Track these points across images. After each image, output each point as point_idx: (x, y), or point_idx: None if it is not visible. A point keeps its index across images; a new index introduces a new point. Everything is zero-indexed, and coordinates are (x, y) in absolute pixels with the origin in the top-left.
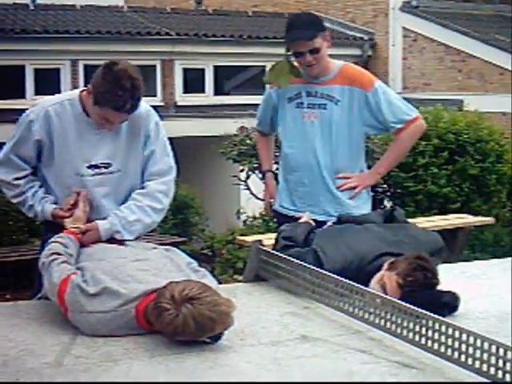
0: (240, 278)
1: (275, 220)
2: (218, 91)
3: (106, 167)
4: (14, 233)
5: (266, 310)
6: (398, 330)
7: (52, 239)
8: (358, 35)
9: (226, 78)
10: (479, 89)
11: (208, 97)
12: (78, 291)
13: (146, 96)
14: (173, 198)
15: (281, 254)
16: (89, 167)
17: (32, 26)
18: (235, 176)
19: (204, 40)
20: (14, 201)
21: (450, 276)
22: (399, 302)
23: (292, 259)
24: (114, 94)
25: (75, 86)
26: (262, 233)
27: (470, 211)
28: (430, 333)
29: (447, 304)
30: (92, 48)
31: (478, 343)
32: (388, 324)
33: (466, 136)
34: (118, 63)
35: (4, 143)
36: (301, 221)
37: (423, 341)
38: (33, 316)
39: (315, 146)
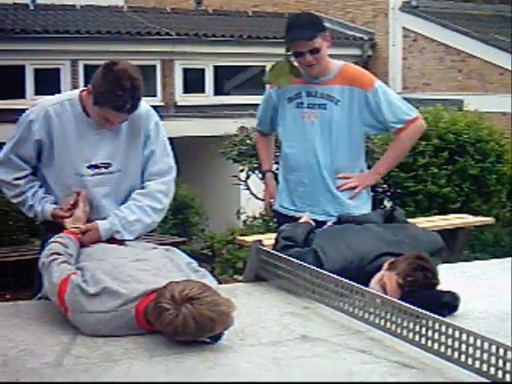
0: (240, 278)
1: (275, 220)
2: (218, 91)
3: (105, 167)
4: (14, 233)
5: (265, 310)
6: (398, 330)
7: (52, 239)
8: (358, 35)
9: (226, 78)
10: (479, 89)
11: (208, 97)
12: (78, 291)
13: (145, 96)
14: (173, 198)
15: (281, 254)
16: (89, 167)
17: (32, 25)
18: (235, 176)
19: (204, 40)
20: (14, 201)
21: (449, 276)
22: (399, 302)
23: (292, 259)
24: (114, 93)
25: (75, 86)
26: (262, 233)
27: (470, 211)
28: (430, 333)
29: (447, 304)
30: (92, 48)
31: (478, 343)
32: (388, 324)
33: (466, 136)
34: (118, 63)
35: (4, 143)
36: (301, 221)
37: (423, 341)
38: (33, 316)
39: (315, 146)
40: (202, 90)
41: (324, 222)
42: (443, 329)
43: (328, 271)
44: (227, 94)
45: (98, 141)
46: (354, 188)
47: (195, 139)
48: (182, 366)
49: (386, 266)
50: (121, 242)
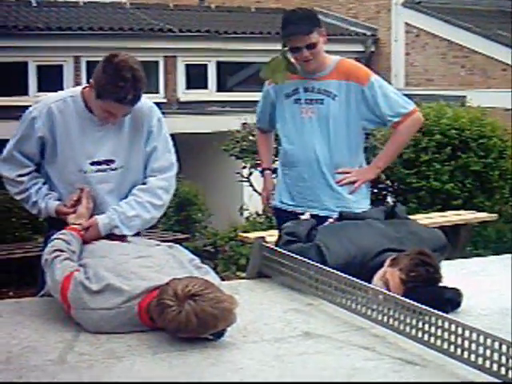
0: (243, 274)
1: (276, 217)
2: (220, 87)
3: (108, 164)
4: (17, 230)
5: (268, 307)
6: (402, 327)
7: (54, 236)
8: (361, 31)
9: (228, 75)
10: (482, 84)
11: (211, 93)
12: (80, 288)
13: (148, 92)
14: (175, 195)
15: (284, 251)
16: (92, 164)
17: (35, 22)
18: (238, 173)
19: (207, 36)
20: (18, 197)
21: (452, 272)
22: (402, 298)
23: (295, 256)
24: (116, 85)
25: (78, 83)
26: (265, 229)
27: (472, 207)
28: (433, 329)
29: (450, 300)
30: (95, 44)
31: (481, 340)
32: (391, 321)
33: (468, 132)
34: (118, 55)
35: (7, 140)
36: (302, 217)
37: (426, 337)
38: (36, 313)
39: (314, 142)
40: (205, 87)
41: (324, 218)
42: (446, 325)
43: (331, 266)
44: (230, 90)
45: (101, 137)
46: (354, 183)
47: (198, 136)
48: (185, 363)
49: (388, 262)
50: (123, 239)
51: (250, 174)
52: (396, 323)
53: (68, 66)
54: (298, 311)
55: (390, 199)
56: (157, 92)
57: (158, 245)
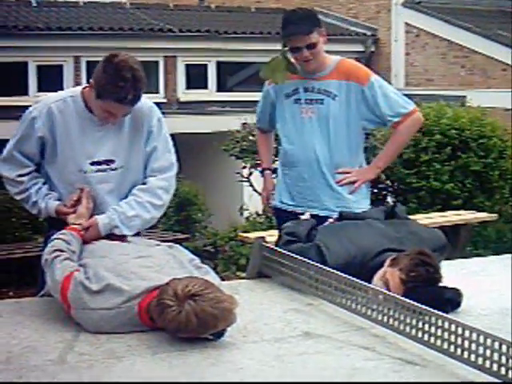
0: (243, 274)
1: (275, 217)
2: (220, 88)
3: (108, 164)
4: (17, 230)
5: (268, 307)
6: (401, 327)
7: (54, 236)
8: (361, 31)
9: (228, 75)
10: (482, 84)
11: (211, 93)
12: (81, 288)
13: (148, 92)
14: (175, 195)
15: (284, 251)
16: (92, 164)
17: (35, 22)
18: (238, 173)
19: (207, 36)
20: (18, 197)
21: (452, 272)
22: (402, 298)
23: (295, 256)
24: (116, 85)
25: (78, 83)
26: (265, 229)
27: (472, 207)
28: (433, 329)
29: (450, 300)
30: (95, 44)
31: (481, 340)
32: (391, 321)
33: (468, 132)
34: (118, 55)
35: (7, 140)
36: (302, 217)
37: (426, 337)
38: (36, 313)
39: (314, 142)
40: (205, 87)
41: (324, 217)
42: (446, 325)
43: (331, 266)
44: (230, 90)
45: (101, 137)
46: (354, 183)
47: (198, 136)
48: (185, 363)
49: (388, 262)
50: (123, 239)
51: (250, 173)
52: (396, 323)
53: (68, 66)
54: (298, 311)
55: (390, 199)
56: (157, 92)
57: (158, 245)
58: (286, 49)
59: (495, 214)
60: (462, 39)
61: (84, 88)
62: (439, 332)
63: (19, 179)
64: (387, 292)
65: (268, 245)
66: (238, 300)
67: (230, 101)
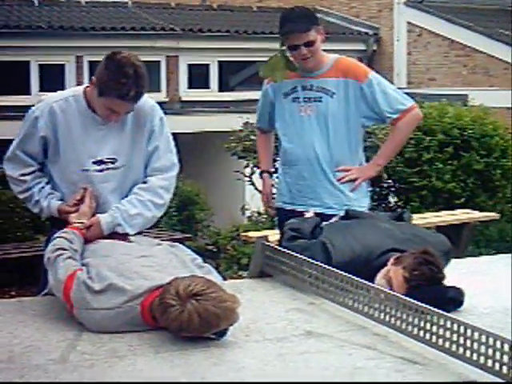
0: (245, 274)
1: (277, 218)
2: (222, 87)
3: (112, 162)
4: (20, 229)
5: (270, 306)
6: (403, 326)
7: (57, 234)
8: (363, 30)
9: (230, 74)
10: (484, 83)
11: (213, 92)
12: (83, 288)
13: (150, 91)
14: (177, 195)
15: (286, 249)
16: (94, 162)
17: (37, 22)
18: (240, 172)
19: (209, 35)
20: (21, 196)
21: (454, 271)
22: (404, 297)
23: (297, 255)
24: (118, 81)
25: (80, 82)
26: (267, 228)
27: (474, 206)
28: (434, 328)
29: (452, 299)
30: (97, 44)
31: (483, 339)
32: (393, 320)
33: (470, 131)
34: (120, 52)
35: (8, 139)
36: (307, 215)
37: (428, 336)
38: (38, 312)
39: (313, 140)
40: (207, 86)
41: (325, 215)
42: (448, 324)
43: (336, 263)
44: (232, 89)
45: (104, 136)
46: (354, 180)
47: (200, 135)
48: (187, 362)
49: (391, 260)
50: (125, 238)
51: (252, 173)
52: (398, 322)
53: (70, 65)
54: (300, 310)
55: (391, 198)
56: (159, 91)
57: (160, 244)
58: (284, 48)
59: (497, 214)
60: (464, 38)
61: (86, 87)
62: (441, 331)
63: (22, 178)
64: (389, 291)
65: (270, 244)
66: (240, 299)
67: (232, 100)
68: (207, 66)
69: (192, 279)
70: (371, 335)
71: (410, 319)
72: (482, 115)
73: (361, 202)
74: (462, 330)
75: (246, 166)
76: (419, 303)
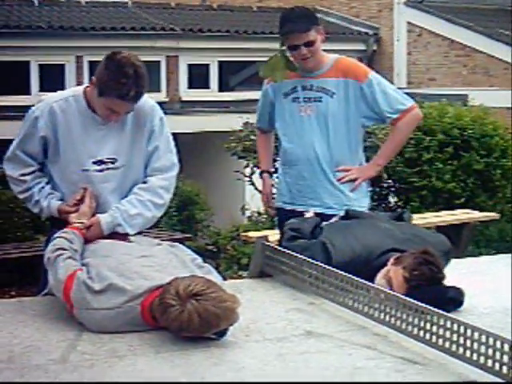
0: (245, 274)
1: (277, 218)
2: (222, 87)
3: (112, 162)
4: (20, 229)
5: (270, 306)
6: (403, 326)
7: (57, 234)
8: (363, 30)
9: (230, 74)
10: (484, 83)
11: (213, 92)
12: (83, 288)
13: (150, 91)
14: (178, 195)
15: (286, 250)
16: (95, 162)
17: (37, 22)
18: (240, 172)
19: (209, 35)
20: (21, 196)
21: (454, 271)
22: (404, 297)
23: (297, 255)
24: (118, 81)
25: (80, 82)
26: (267, 228)
27: (474, 206)
28: (434, 328)
29: (452, 299)
30: (97, 44)
31: (483, 339)
32: (393, 320)
33: (470, 131)
34: (120, 52)
35: (8, 139)
36: (307, 215)
37: (428, 336)
38: (38, 312)
39: (313, 140)
40: (207, 86)
41: (325, 215)
42: (448, 324)
43: (336, 263)
44: (232, 89)
45: (104, 136)
46: (354, 180)
47: (200, 135)
48: (187, 362)
49: (391, 260)
50: (125, 238)
51: (252, 173)
52: (398, 322)
53: (70, 65)
54: (300, 310)
55: (391, 198)
56: (159, 91)
57: (160, 244)
58: (284, 48)
59: (497, 214)
60: (463, 38)
61: (86, 87)
62: (441, 331)
63: (22, 178)
64: (389, 291)
65: (270, 244)
66: (240, 299)
67: (232, 100)
68: (207, 66)
69: (192, 279)
70: (371, 335)
71: (410, 319)
72: (482, 115)
73: (361, 201)
74: (461, 330)
75: (246, 166)
76: (419, 303)
